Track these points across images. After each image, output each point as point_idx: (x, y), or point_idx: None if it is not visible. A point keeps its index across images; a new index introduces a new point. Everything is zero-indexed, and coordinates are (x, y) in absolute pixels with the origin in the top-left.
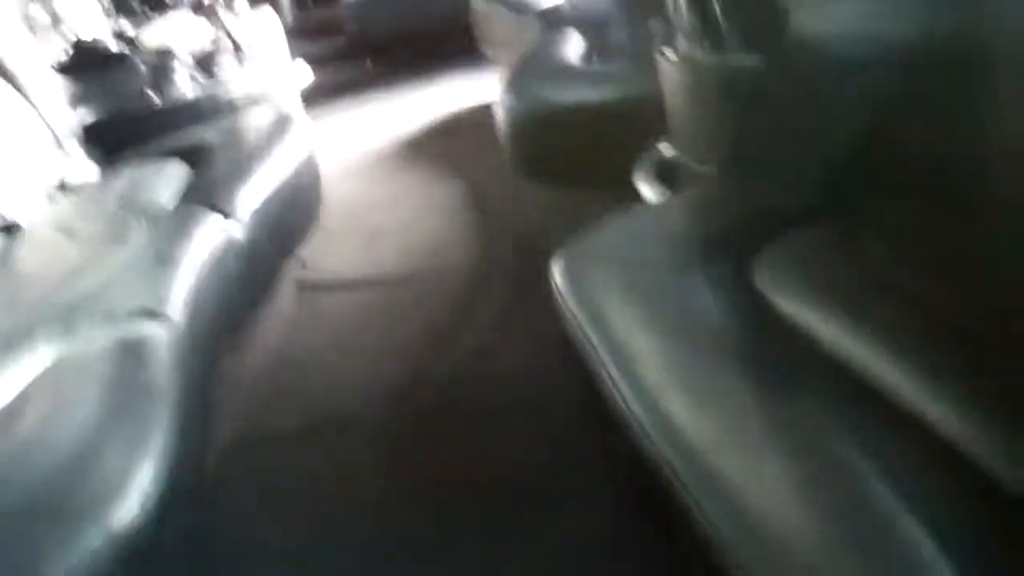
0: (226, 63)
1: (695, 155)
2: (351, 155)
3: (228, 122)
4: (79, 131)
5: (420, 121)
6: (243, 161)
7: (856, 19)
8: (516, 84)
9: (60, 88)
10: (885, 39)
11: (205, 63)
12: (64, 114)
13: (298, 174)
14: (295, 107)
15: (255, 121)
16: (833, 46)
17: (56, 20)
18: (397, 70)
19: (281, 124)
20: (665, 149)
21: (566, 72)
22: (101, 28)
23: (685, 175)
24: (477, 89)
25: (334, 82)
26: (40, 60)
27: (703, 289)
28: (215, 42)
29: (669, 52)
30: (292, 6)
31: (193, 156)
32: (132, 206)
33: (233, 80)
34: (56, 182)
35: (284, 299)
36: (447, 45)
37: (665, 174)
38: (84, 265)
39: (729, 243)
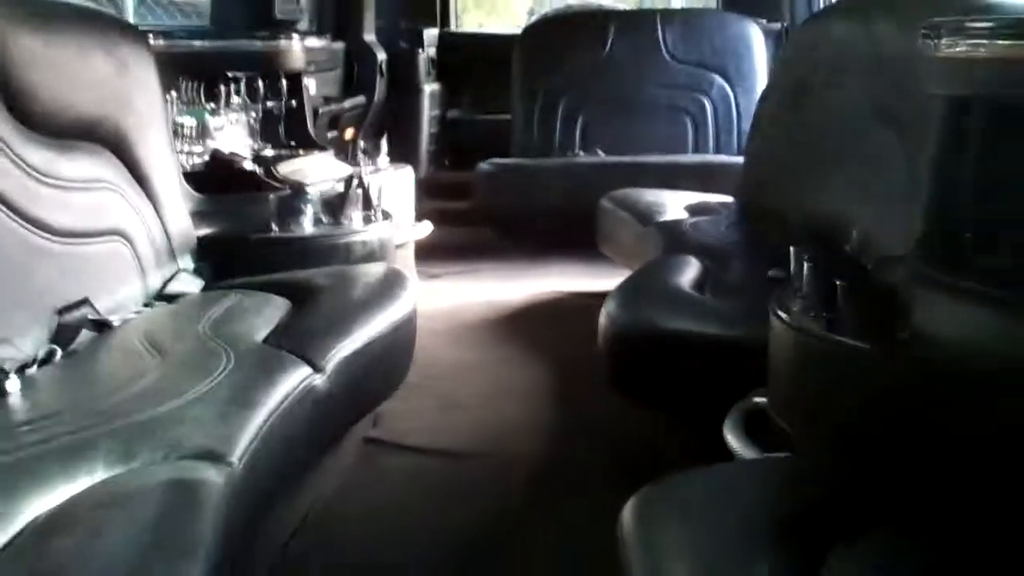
0: (352, 213)
1: (790, 420)
2: (447, 317)
3: (340, 269)
4: (194, 244)
5: (525, 298)
6: (343, 312)
7: (987, 331)
8: (623, 299)
9: (188, 198)
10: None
11: (332, 207)
12: (185, 225)
13: (394, 335)
14: (408, 261)
15: (366, 273)
16: (954, 353)
17: (204, 132)
18: (516, 244)
19: (390, 281)
20: (761, 402)
21: (675, 298)
22: (242, 147)
23: (777, 436)
24: (590, 282)
25: (451, 243)
26: (176, 168)
27: None
28: (347, 190)
29: (782, 313)
30: (428, 163)
31: (297, 295)
32: (223, 336)
33: (355, 230)
34: (158, 288)
35: (347, 453)
36: (571, 231)
37: (757, 428)
38: (161, 386)
39: (803, 532)
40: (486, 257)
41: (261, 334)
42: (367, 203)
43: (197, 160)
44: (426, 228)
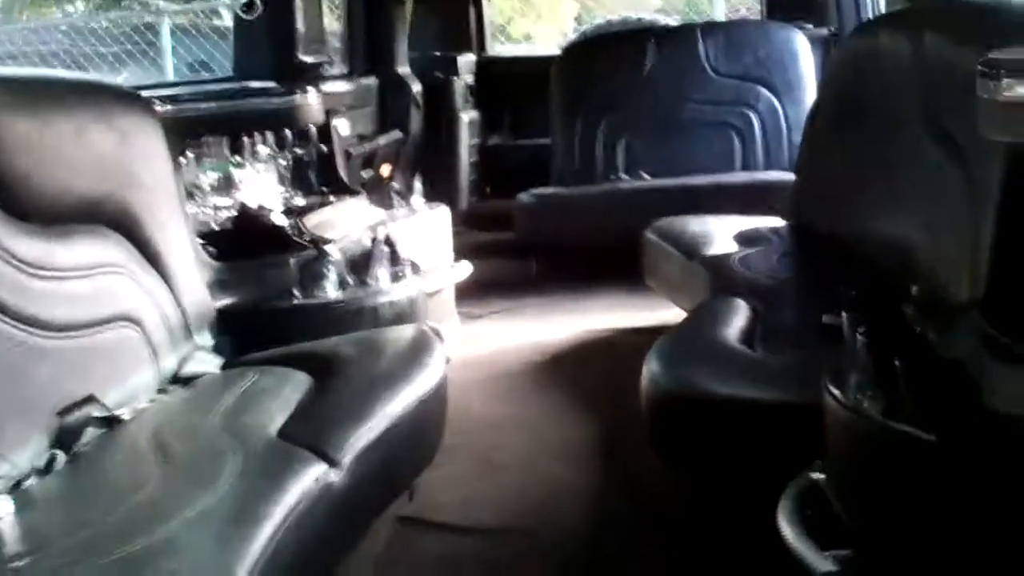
0: (378, 272)
1: (850, 509)
2: (487, 364)
3: (366, 336)
4: (213, 318)
5: (570, 339)
6: (366, 389)
7: None
8: (666, 357)
9: (205, 268)
10: None
11: (357, 267)
12: (201, 298)
13: (423, 407)
14: (448, 305)
15: (393, 339)
16: None
17: (228, 184)
18: (561, 277)
19: (418, 347)
20: (818, 479)
21: (723, 356)
22: (272, 197)
23: (837, 522)
24: (637, 316)
25: (494, 278)
26: (189, 239)
27: None
28: (374, 246)
29: (836, 390)
30: (470, 193)
31: (319, 370)
32: (235, 430)
33: (380, 292)
34: (174, 369)
35: (381, 535)
36: (617, 262)
37: (813, 510)
38: (161, 501)
39: None
40: (530, 292)
41: (276, 423)
42: (394, 259)
43: (224, 214)
44: (465, 270)
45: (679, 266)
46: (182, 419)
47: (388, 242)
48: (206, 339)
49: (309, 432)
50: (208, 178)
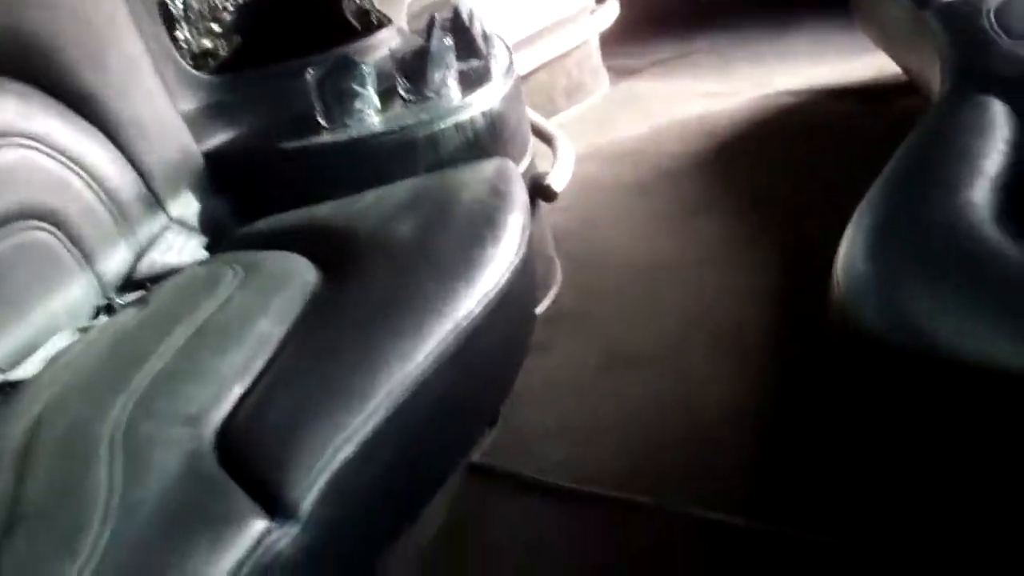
0: (440, 76)
1: None
2: (638, 150)
3: (413, 192)
4: (199, 168)
5: (754, 105)
6: (381, 324)
7: None
8: (870, 258)
9: (194, 89)
10: None
11: (408, 70)
12: (180, 148)
13: (489, 325)
14: (592, 60)
15: (458, 194)
16: None
17: None
18: (738, 4)
19: (495, 206)
20: None
21: (973, 267)
22: None
23: None
24: (845, 67)
25: (652, 13)
26: (161, 52)
27: None
28: (432, 35)
29: None
30: None
31: (330, 259)
32: (140, 436)
33: (441, 112)
34: (125, 269)
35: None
36: None
37: None
38: None
39: None
40: (703, 26)
41: (223, 408)
42: (471, 48)
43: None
44: (609, 14)
45: (903, 16)
46: (80, 396)
47: (458, 25)
48: (188, 205)
49: (262, 438)
50: None
